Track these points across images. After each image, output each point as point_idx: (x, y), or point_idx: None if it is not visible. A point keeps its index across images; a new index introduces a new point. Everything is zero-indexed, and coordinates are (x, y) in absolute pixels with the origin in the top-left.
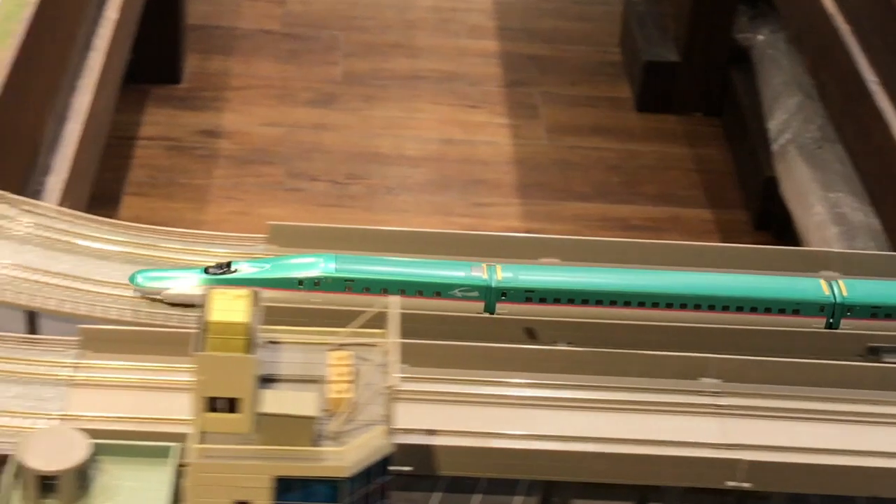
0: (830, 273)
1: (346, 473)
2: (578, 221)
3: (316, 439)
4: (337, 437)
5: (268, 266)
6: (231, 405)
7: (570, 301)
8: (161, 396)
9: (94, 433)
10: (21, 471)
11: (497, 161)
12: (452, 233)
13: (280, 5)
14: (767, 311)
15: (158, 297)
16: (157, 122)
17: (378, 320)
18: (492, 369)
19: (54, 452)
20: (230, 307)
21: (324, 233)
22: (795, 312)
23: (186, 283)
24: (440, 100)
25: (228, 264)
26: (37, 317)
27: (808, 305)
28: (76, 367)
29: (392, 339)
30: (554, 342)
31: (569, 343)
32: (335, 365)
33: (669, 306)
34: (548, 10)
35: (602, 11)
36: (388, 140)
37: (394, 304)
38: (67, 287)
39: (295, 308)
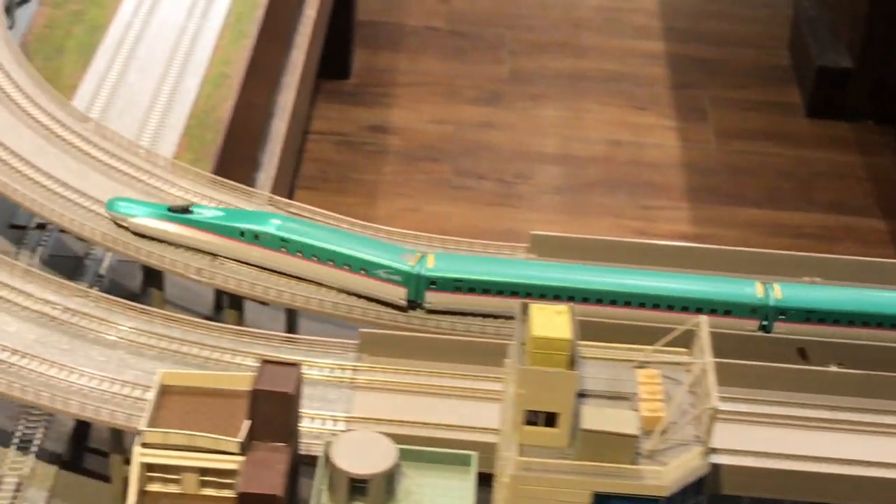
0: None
1: (666, 493)
2: (749, 228)
3: (634, 457)
4: (653, 456)
5: (222, 213)
6: (549, 419)
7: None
8: (445, 403)
9: (395, 438)
10: (332, 472)
11: (665, 164)
12: (726, 249)
13: (445, 3)
14: None
15: (125, 224)
16: (327, 116)
17: (651, 335)
18: (767, 388)
19: (364, 456)
20: (552, 322)
21: (583, 244)
22: None
23: (151, 217)
24: (607, 100)
25: (188, 207)
26: (296, 316)
27: None
28: (355, 369)
29: (706, 359)
30: (826, 363)
31: (839, 364)
32: (645, 383)
33: None
34: (714, 12)
35: (769, 14)
36: (554, 140)
37: (703, 325)
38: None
39: (599, 322)
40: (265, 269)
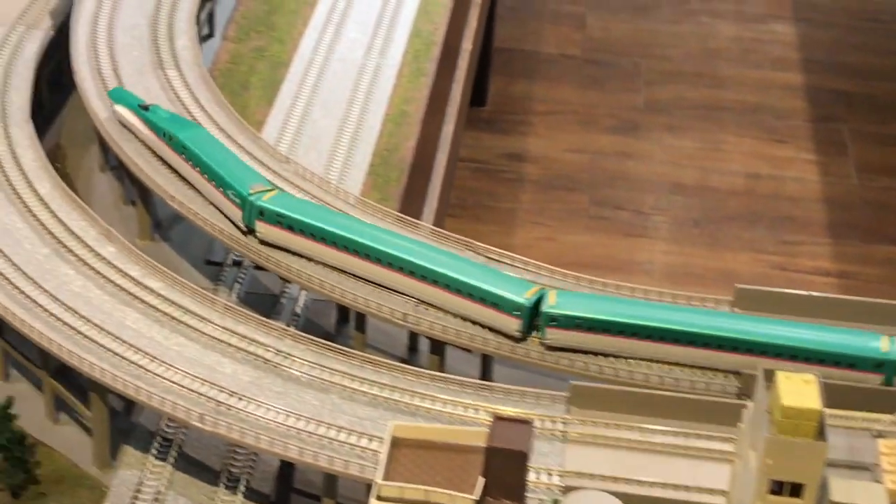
0: None
1: None
2: (891, 265)
3: None
4: None
5: (167, 117)
6: (794, 489)
7: None
8: (663, 460)
9: (622, 497)
10: None
11: (806, 198)
12: None
13: (580, 30)
14: None
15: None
16: (465, 143)
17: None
18: None
19: None
20: (801, 391)
21: (792, 300)
22: None
23: (126, 108)
24: (745, 132)
25: (148, 106)
26: (491, 362)
27: None
28: (566, 422)
29: None
30: None
31: None
32: (888, 454)
33: None
34: (855, 44)
35: None
36: (692, 171)
37: None
38: None
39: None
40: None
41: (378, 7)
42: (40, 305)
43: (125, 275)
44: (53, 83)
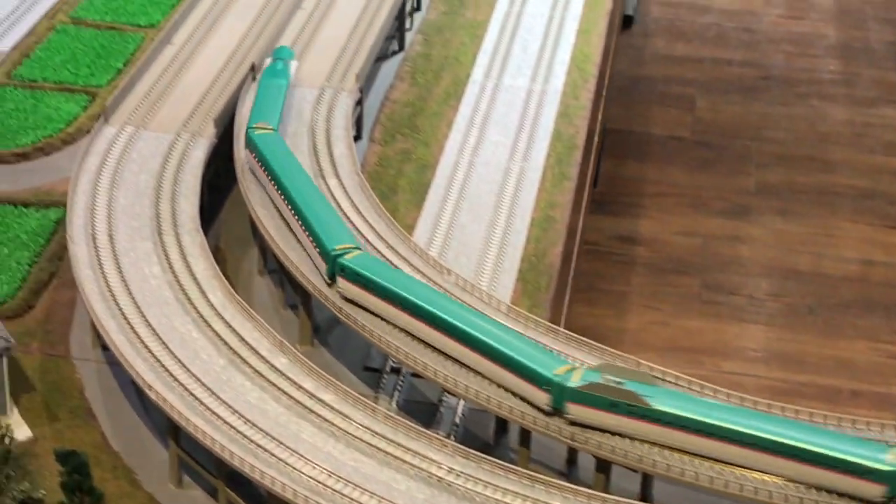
0: None
1: None
2: None
3: None
4: None
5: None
6: None
7: None
8: None
9: None
10: None
11: None
12: None
13: (690, 112)
14: None
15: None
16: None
17: None
18: None
19: None
20: None
21: None
22: None
23: None
24: (858, 218)
25: None
26: (650, 480)
27: None
28: None
29: None
30: None
31: None
32: None
33: None
34: None
35: None
36: (805, 257)
37: None
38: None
39: None
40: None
41: (519, 109)
42: (219, 416)
43: (299, 387)
44: (212, 186)
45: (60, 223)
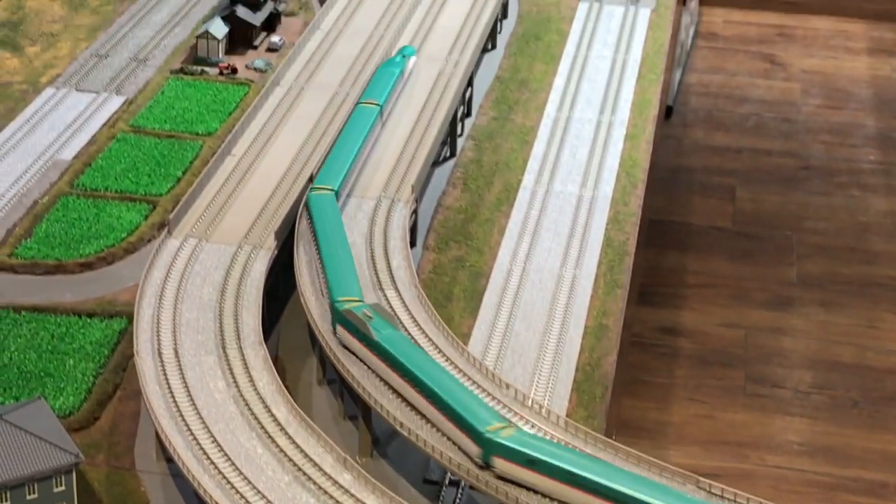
0: None
1: None
2: None
3: None
4: None
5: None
6: None
7: None
8: None
9: None
10: None
11: None
12: None
13: (731, 202)
14: None
15: None
16: None
17: None
18: None
19: None
20: None
21: None
22: None
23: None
24: None
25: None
26: None
27: None
28: None
29: None
30: None
31: None
32: None
33: None
34: None
35: None
36: (848, 349)
37: None
38: None
39: None
40: None
41: (570, 215)
42: None
43: None
44: (270, 295)
45: (124, 333)
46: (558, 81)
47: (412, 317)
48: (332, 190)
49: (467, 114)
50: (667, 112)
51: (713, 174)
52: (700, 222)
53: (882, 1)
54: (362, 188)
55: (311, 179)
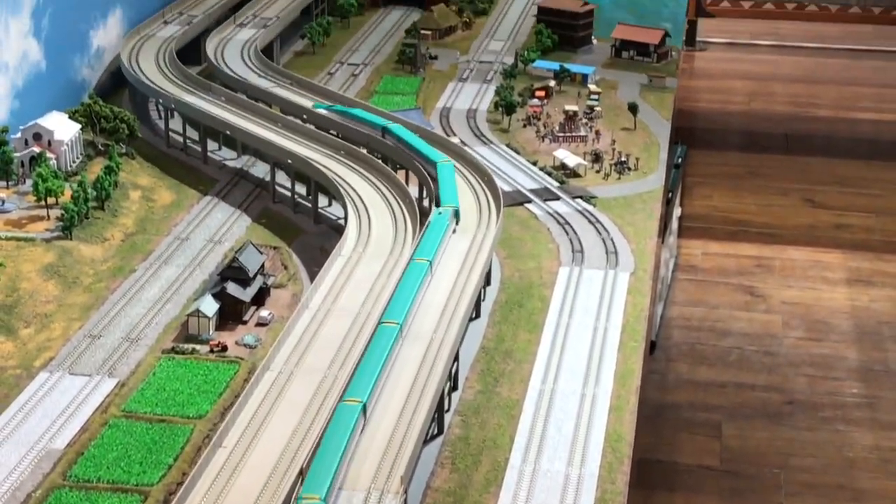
0: None
1: None
2: None
3: None
4: None
5: None
6: None
7: None
8: None
9: None
10: None
11: None
12: None
13: (717, 439)
14: None
15: None
16: None
17: None
18: None
19: None
20: None
21: None
22: None
23: None
24: None
25: None
26: None
27: None
28: None
29: None
30: None
31: None
32: None
33: None
34: None
35: None
36: None
37: None
38: None
39: None
40: None
41: (558, 496)
42: None
43: None
44: None
45: None
46: (542, 351)
47: None
48: (320, 500)
49: (453, 388)
50: (651, 347)
51: (699, 410)
52: (687, 461)
53: (857, 231)
54: (351, 481)
55: (300, 473)
